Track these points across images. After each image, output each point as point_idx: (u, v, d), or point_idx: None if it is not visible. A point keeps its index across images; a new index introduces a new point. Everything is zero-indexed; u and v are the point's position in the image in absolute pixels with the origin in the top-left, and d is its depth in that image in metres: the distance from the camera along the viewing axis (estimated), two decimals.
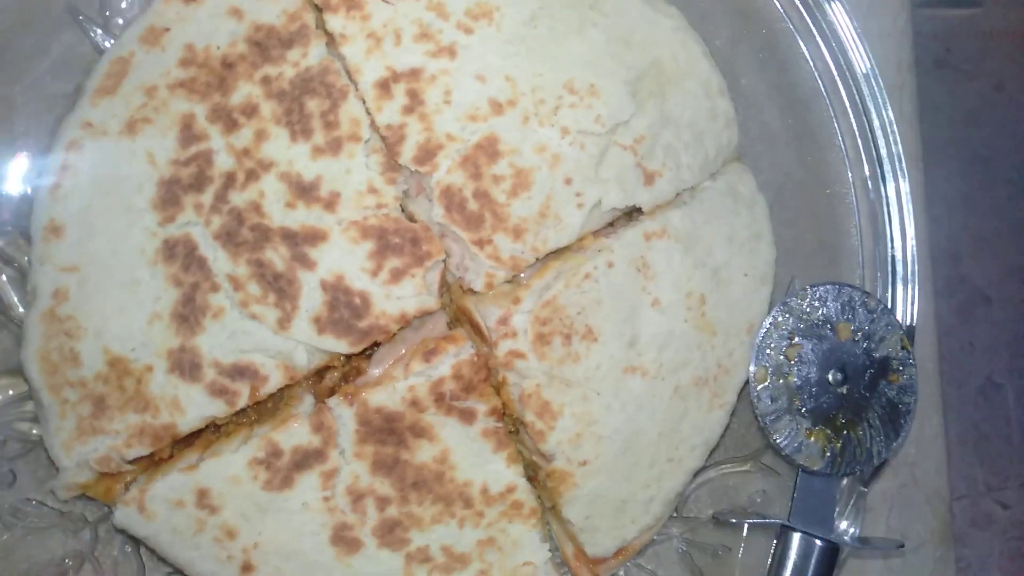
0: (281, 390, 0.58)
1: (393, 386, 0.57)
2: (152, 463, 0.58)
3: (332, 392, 0.58)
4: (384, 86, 0.60)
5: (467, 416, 0.58)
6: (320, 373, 0.60)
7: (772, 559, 0.70)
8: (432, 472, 0.58)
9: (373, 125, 0.60)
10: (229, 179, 0.58)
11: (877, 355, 0.71)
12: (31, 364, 0.56)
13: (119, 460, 0.57)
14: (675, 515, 0.74)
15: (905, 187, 0.75)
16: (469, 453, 0.58)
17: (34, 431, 0.60)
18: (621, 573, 0.73)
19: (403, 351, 0.59)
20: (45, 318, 0.56)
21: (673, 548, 0.75)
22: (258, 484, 0.55)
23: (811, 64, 0.76)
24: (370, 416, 0.57)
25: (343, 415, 0.57)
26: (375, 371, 0.58)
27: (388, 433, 0.57)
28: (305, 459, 0.55)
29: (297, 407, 0.57)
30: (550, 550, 0.63)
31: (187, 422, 0.57)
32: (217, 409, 0.57)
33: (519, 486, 0.60)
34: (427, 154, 0.59)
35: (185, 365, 0.57)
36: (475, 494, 0.59)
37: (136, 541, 0.63)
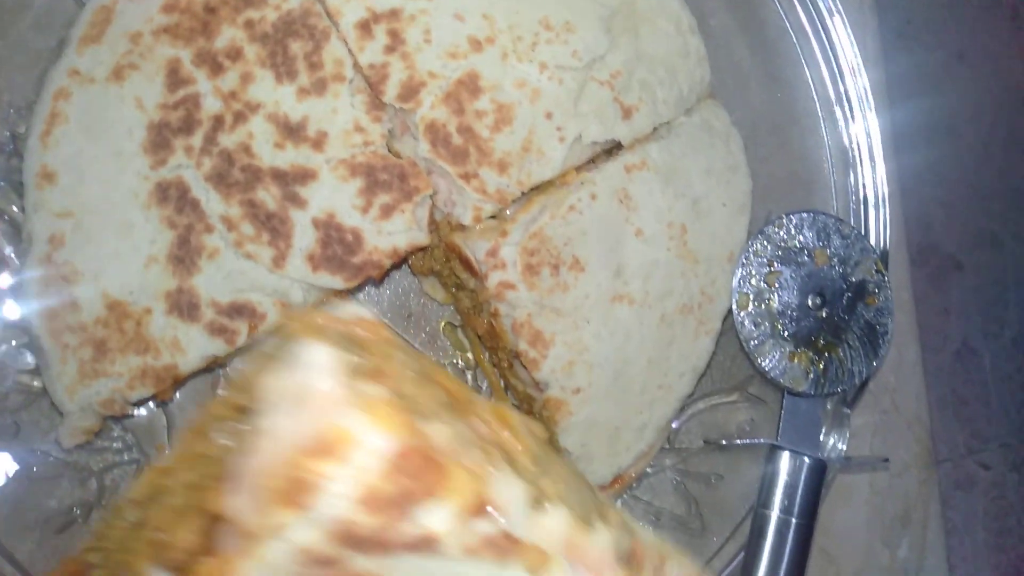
0: None
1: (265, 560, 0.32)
2: None
3: None
4: (365, 27, 0.61)
5: (424, 544, 0.32)
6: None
7: (763, 479, 0.72)
8: None
9: (356, 65, 0.61)
10: (217, 122, 0.59)
11: (853, 279, 0.74)
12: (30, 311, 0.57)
13: (123, 402, 0.58)
14: (667, 447, 0.76)
15: (872, 118, 0.78)
16: None
17: (35, 383, 0.61)
18: (619, 505, 0.76)
19: None
20: (42, 264, 0.57)
21: (667, 479, 0.77)
22: None
23: (777, 3, 0.79)
24: None
25: None
26: None
27: None
28: None
29: None
30: None
31: (188, 362, 0.58)
32: (217, 348, 0.58)
33: None
34: (410, 91, 0.61)
35: (183, 306, 0.58)
36: None
37: None
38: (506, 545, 0.31)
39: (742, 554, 0.72)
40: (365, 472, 0.27)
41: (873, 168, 0.78)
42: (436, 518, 0.29)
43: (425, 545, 0.30)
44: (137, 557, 0.33)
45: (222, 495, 0.29)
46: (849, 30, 0.79)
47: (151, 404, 0.64)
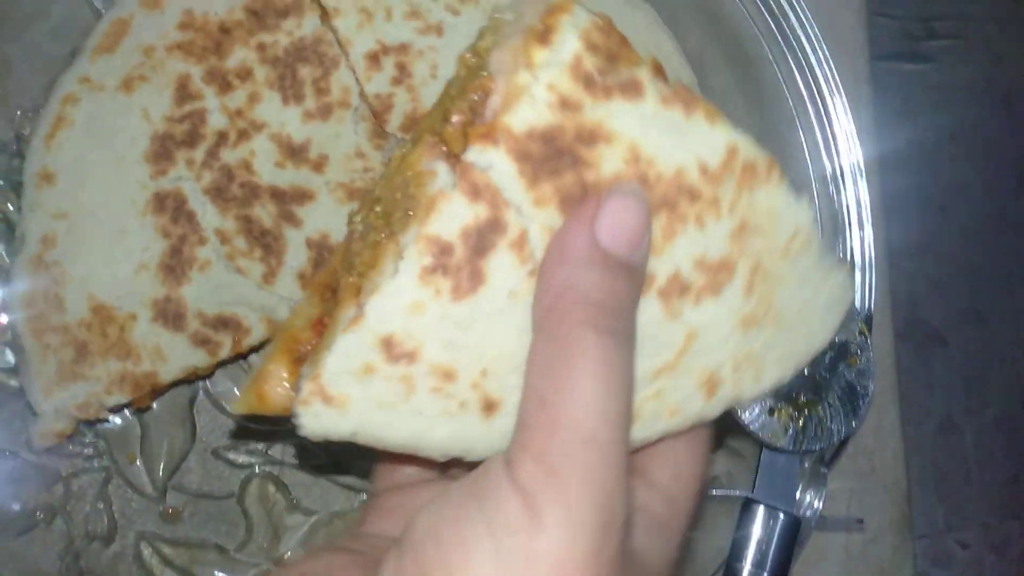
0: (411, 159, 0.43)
1: (530, 94, 0.39)
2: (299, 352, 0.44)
3: (464, 144, 0.41)
4: (374, 58, 0.63)
5: (632, 89, 0.40)
6: (444, 118, 0.43)
7: (736, 533, 0.72)
8: (633, 178, 0.41)
9: (362, 94, 0.63)
10: (221, 137, 0.60)
11: (836, 339, 0.75)
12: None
13: (99, 406, 0.57)
14: None
15: (863, 184, 0.80)
16: (660, 133, 0.41)
17: (12, 381, 0.61)
18: None
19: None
20: (32, 263, 0.57)
21: None
22: (445, 298, 0.39)
23: (775, 66, 0.81)
24: (525, 146, 0.39)
25: (495, 162, 0.39)
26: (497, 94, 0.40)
27: (557, 157, 0.40)
28: (481, 239, 0.39)
29: (434, 184, 0.40)
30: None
31: (169, 371, 0.58)
32: (199, 359, 0.58)
33: (739, 142, 0.43)
34: (413, 123, 0.62)
35: (169, 315, 0.58)
36: (696, 180, 0.42)
37: (107, 498, 0.63)
38: (690, 98, 0.41)
39: None
40: (586, 31, 0.39)
41: (861, 233, 0.80)
42: (638, 72, 0.40)
43: (632, 89, 0.40)
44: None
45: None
46: (844, 99, 0.81)
47: (127, 412, 0.63)
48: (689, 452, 0.45)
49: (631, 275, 0.38)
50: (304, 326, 0.45)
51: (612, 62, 0.40)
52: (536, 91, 0.39)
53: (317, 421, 0.40)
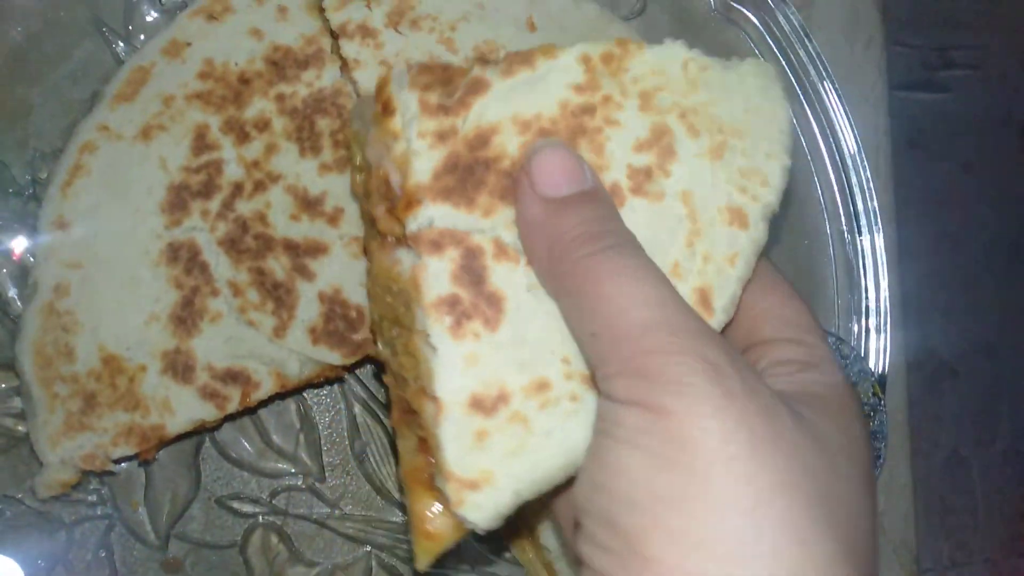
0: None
1: (412, 151, 0.43)
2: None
3: (400, 223, 0.45)
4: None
5: (477, 86, 0.45)
6: (371, 222, 0.48)
7: None
8: (536, 138, 0.45)
9: None
10: (237, 188, 0.60)
11: None
12: (25, 356, 0.57)
13: (104, 458, 0.57)
14: None
15: (880, 241, 0.79)
16: (524, 94, 0.45)
17: (19, 427, 0.60)
18: None
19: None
20: (43, 311, 0.57)
21: None
22: (485, 335, 0.42)
23: (794, 121, 0.81)
24: (441, 185, 0.43)
25: (430, 214, 0.43)
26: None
27: (470, 173, 0.44)
28: (471, 272, 0.43)
29: (405, 268, 0.44)
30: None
31: (176, 424, 0.58)
32: (207, 413, 0.58)
33: (585, 49, 0.47)
34: None
35: (179, 367, 0.58)
36: (579, 100, 0.46)
37: (110, 546, 0.63)
38: (523, 55, 0.46)
39: None
40: (412, 80, 0.45)
41: (877, 291, 0.79)
42: (473, 74, 0.45)
43: (478, 86, 0.45)
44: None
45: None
46: (861, 148, 0.81)
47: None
48: (778, 299, 0.46)
49: (592, 197, 0.42)
50: (414, 457, 0.47)
51: (449, 84, 0.45)
52: (414, 146, 0.44)
53: (481, 509, 0.41)
